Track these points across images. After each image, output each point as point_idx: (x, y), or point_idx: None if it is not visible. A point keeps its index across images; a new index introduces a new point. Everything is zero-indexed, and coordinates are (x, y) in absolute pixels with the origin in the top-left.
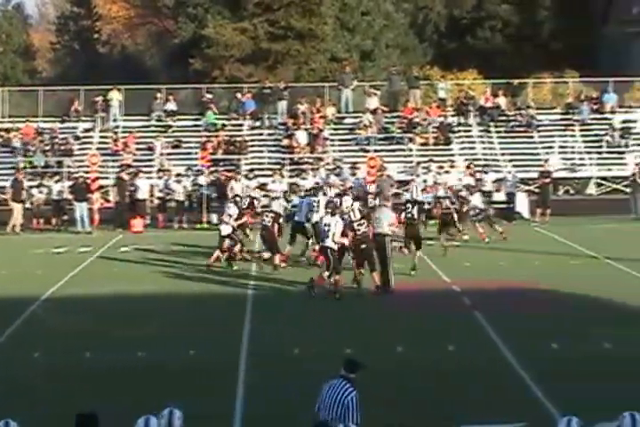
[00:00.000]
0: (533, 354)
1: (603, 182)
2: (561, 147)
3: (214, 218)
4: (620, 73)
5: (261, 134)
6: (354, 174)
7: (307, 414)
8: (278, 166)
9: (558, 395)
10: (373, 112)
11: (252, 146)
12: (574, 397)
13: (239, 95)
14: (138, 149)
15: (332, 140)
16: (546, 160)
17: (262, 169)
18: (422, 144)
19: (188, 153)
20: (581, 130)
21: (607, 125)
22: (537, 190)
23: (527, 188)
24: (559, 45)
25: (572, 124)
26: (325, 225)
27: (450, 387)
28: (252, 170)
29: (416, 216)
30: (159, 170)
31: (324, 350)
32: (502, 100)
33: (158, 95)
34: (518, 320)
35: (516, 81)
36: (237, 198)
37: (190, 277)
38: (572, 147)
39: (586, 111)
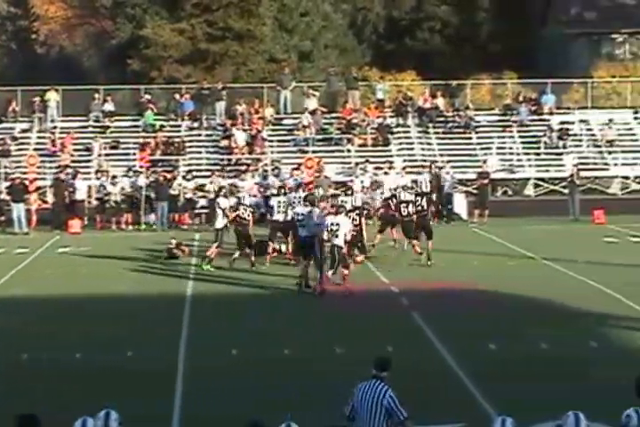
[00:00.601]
0: (471, 354)
1: (540, 183)
2: (499, 148)
3: (152, 219)
4: (559, 74)
5: (200, 135)
6: (291, 175)
7: (245, 416)
8: (218, 167)
9: (495, 395)
10: (312, 113)
11: (191, 147)
12: (511, 397)
13: (177, 96)
14: (76, 150)
15: (271, 140)
16: (484, 161)
17: (200, 170)
18: (361, 145)
19: (127, 154)
20: (519, 131)
21: (545, 127)
22: (475, 191)
23: (465, 189)
24: (498, 47)
25: (511, 126)
26: (333, 224)
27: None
28: (190, 171)
29: (426, 207)
30: (97, 171)
31: (262, 351)
32: (441, 102)
33: (96, 96)
34: (456, 321)
35: (454, 82)
36: (223, 191)
37: (129, 277)
38: (511, 148)
39: (524, 112)
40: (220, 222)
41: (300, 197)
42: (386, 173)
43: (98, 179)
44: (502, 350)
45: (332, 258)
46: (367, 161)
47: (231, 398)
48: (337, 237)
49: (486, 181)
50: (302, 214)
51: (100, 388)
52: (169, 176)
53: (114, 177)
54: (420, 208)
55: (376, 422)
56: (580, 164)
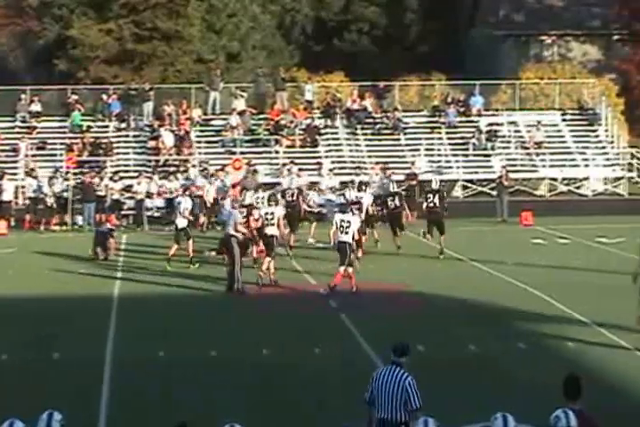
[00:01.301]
0: None
1: (469, 185)
2: (427, 149)
3: (80, 220)
4: (487, 76)
5: (127, 136)
6: (212, 175)
7: (171, 419)
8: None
9: (423, 396)
10: (240, 114)
11: (118, 148)
12: (439, 398)
13: (105, 97)
14: (2, 151)
15: (199, 141)
16: (412, 163)
17: (128, 171)
18: (289, 146)
19: (54, 155)
20: (448, 132)
21: (473, 128)
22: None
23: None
24: (426, 48)
25: (439, 127)
26: (344, 221)
27: (315, 389)
28: (117, 172)
29: (438, 204)
30: (27, 172)
31: (189, 353)
32: (369, 103)
33: (23, 96)
34: (384, 322)
35: (382, 83)
36: (188, 192)
37: (54, 277)
38: (439, 149)
39: (452, 114)
40: (182, 222)
41: (262, 198)
42: (320, 175)
43: (34, 178)
44: (430, 351)
45: (344, 254)
46: (292, 162)
47: (158, 401)
48: (347, 233)
49: (414, 183)
50: (347, 221)
51: (25, 389)
52: (95, 177)
53: (51, 178)
54: (432, 204)
55: (394, 405)
56: (508, 165)
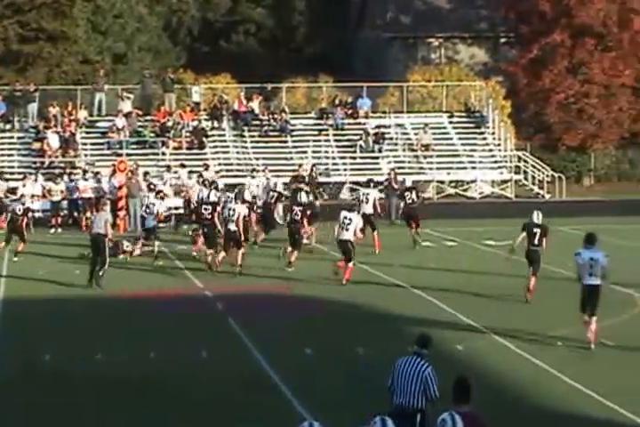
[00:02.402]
0: (286, 359)
1: (356, 187)
2: (315, 152)
3: None
4: (375, 78)
5: (12, 137)
6: (97, 179)
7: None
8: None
9: (310, 400)
10: (126, 115)
11: (2, 149)
12: (326, 401)
13: None
14: None
15: (85, 143)
16: (299, 165)
17: (12, 173)
18: (175, 148)
19: None
20: (335, 135)
21: (361, 131)
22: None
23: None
24: (313, 50)
25: (326, 129)
26: (346, 218)
27: (204, 391)
28: (0, 173)
29: (416, 200)
30: None
31: (74, 356)
32: (256, 105)
33: None
34: (271, 325)
35: (269, 85)
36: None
37: None
38: (326, 152)
39: (340, 116)
40: (151, 222)
41: (230, 197)
42: (253, 177)
43: None
44: (318, 354)
45: (348, 252)
46: (182, 165)
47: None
48: (347, 230)
49: (302, 185)
50: (349, 219)
51: None
52: None
53: None
54: (410, 201)
55: (412, 392)
56: (396, 168)
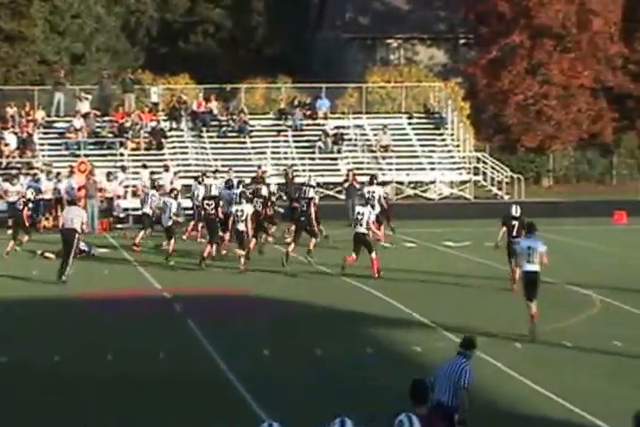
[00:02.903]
0: (245, 360)
1: (316, 188)
2: (274, 152)
3: None
4: (334, 79)
5: None
6: (57, 180)
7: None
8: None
9: (269, 401)
10: (84, 116)
11: None
12: (284, 403)
13: None
14: None
15: (42, 144)
16: (259, 166)
17: None
18: (134, 149)
19: None
20: (294, 135)
21: (320, 131)
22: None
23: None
24: (272, 50)
25: (285, 130)
26: (359, 213)
27: (162, 392)
28: None
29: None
30: None
31: (32, 357)
32: (215, 105)
33: None
34: (230, 326)
35: (228, 86)
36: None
37: None
38: (285, 153)
39: (298, 117)
40: (168, 221)
41: (236, 194)
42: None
43: None
44: (276, 355)
45: (366, 244)
46: (144, 166)
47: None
48: (361, 225)
49: (260, 186)
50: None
51: None
52: None
53: None
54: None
55: (450, 389)
56: (355, 169)
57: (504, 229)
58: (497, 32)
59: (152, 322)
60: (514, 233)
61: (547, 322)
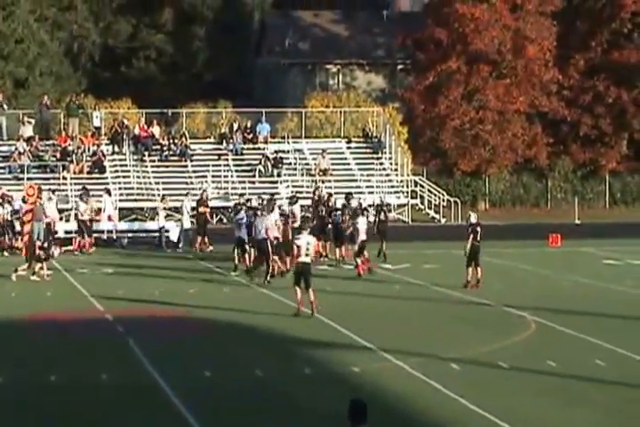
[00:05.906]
0: (187, 381)
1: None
2: (214, 176)
3: None
4: (274, 104)
5: None
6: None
7: None
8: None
9: (210, 420)
10: (28, 140)
11: None
12: (226, 422)
13: None
14: None
15: None
16: (203, 190)
17: None
18: (77, 172)
19: None
20: (235, 159)
21: (260, 155)
22: (193, 220)
23: (179, 217)
24: (213, 75)
25: (226, 154)
26: (358, 223)
27: (103, 414)
28: None
29: (384, 218)
30: None
31: None
32: (156, 130)
33: None
34: (171, 348)
35: (169, 111)
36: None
37: None
38: (226, 176)
39: (239, 141)
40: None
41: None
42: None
43: None
44: (217, 376)
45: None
46: (84, 188)
47: None
48: (363, 232)
49: (207, 209)
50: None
51: None
52: None
53: None
54: (384, 218)
55: None
56: (295, 192)
57: (471, 236)
58: (434, 58)
59: (94, 344)
60: (478, 237)
61: (483, 343)
